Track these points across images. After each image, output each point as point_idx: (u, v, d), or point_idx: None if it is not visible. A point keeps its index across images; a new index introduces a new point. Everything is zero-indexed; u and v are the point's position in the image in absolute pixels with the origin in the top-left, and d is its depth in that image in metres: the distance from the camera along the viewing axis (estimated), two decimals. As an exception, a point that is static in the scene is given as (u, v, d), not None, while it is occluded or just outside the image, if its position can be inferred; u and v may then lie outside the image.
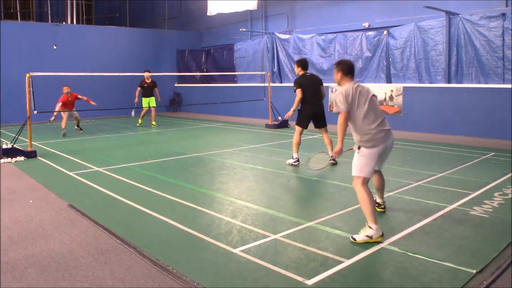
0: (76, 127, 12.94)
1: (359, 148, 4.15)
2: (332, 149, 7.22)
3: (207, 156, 8.40)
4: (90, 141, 10.83)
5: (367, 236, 3.93)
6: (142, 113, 14.26)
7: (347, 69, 4.35)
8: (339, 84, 4.41)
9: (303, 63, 7.49)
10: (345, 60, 4.50)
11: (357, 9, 14.13)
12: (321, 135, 7.63)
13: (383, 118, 4.25)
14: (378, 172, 4.65)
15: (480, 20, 10.55)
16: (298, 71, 7.48)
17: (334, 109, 4.25)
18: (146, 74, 13.55)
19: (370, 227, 3.94)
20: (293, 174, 6.74)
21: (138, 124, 14.01)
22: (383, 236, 3.95)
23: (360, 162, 4.12)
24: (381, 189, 4.79)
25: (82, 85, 14.92)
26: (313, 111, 7.32)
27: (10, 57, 15.38)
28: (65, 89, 11.85)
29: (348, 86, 4.27)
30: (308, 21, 15.73)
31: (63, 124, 11.99)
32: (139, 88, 13.83)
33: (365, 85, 4.83)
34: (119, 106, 14.93)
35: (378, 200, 4.81)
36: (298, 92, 7.19)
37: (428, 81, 11.76)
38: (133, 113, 14.93)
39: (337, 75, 4.39)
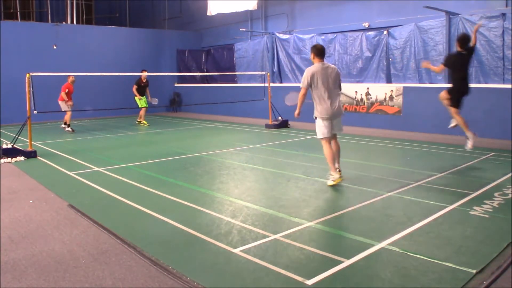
0: (64, 124, 12.66)
1: (316, 118, 5.68)
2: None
3: (207, 156, 8.40)
4: (90, 141, 10.83)
5: (331, 180, 5.71)
6: (141, 113, 14.21)
7: (317, 52, 5.64)
8: (313, 62, 5.71)
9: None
10: (317, 45, 5.76)
11: (357, 9, 14.13)
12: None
13: (336, 98, 5.66)
14: (333, 138, 5.89)
15: (480, 20, 10.54)
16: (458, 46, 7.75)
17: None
18: (144, 73, 13.57)
19: (331, 174, 5.72)
20: (293, 174, 6.73)
21: (142, 124, 13.98)
22: (341, 177, 5.72)
23: (317, 128, 5.73)
24: (336, 154, 5.86)
25: (82, 85, 14.93)
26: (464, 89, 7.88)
27: (10, 57, 15.37)
28: (71, 78, 12.14)
29: (315, 66, 5.57)
30: (308, 21, 15.72)
31: (68, 119, 12.07)
32: (136, 86, 13.83)
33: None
34: (119, 106, 14.92)
35: (336, 165, 5.83)
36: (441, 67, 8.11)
37: (428, 81, 11.76)
38: (154, 101, 14.11)
39: (311, 55, 5.73)
